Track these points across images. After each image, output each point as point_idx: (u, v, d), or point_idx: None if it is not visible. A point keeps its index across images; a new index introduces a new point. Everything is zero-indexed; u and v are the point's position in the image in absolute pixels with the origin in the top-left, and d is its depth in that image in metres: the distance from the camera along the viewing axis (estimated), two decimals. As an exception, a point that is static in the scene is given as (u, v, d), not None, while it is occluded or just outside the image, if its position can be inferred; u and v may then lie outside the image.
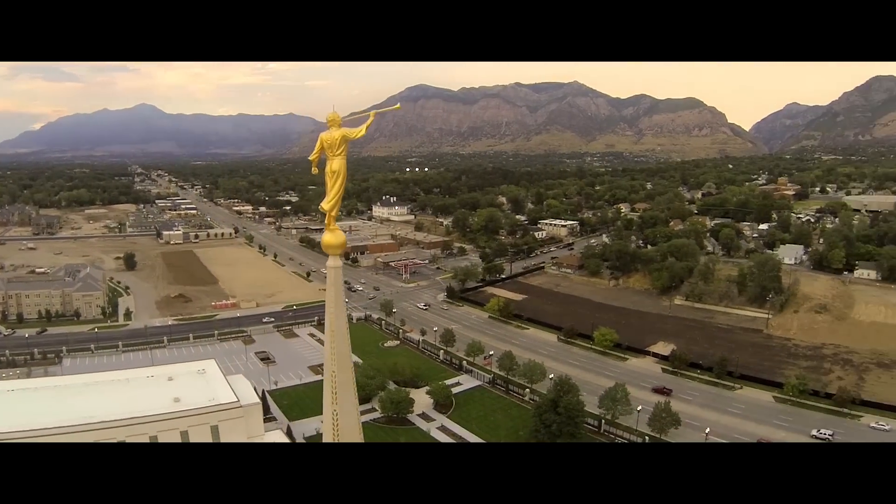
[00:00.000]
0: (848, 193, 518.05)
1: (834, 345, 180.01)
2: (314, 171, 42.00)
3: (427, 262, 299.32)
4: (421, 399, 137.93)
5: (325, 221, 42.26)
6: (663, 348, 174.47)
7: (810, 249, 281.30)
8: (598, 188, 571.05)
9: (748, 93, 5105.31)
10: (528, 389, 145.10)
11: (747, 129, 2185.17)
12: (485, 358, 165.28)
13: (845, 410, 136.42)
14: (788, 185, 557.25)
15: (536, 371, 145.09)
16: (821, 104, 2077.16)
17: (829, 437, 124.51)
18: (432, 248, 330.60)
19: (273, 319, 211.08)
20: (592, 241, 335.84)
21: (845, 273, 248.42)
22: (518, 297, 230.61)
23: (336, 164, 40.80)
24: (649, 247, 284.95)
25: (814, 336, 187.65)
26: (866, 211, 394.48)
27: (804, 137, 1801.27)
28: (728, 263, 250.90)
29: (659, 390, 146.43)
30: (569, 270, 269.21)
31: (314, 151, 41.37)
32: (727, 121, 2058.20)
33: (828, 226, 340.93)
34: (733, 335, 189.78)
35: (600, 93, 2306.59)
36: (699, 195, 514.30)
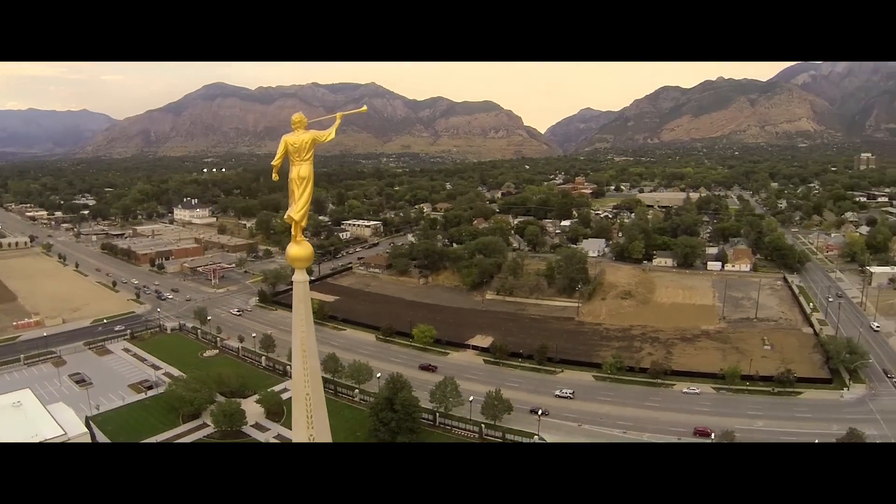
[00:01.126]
0: (641, 191, 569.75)
1: (641, 326, 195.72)
2: (275, 177, 39.01)
3: (234, 265, 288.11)
4: (251, 409, 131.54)
5: (293, 232, 39.35)
6: (482, 341, 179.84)
7: (611, 242, 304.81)
8: (397, 188, 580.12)
9: (544, 98, 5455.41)
10: (357, 390, 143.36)
11: (543, 132, 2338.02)
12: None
13: (659, 381, 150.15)
14: (586, 184, 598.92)
15: (363, 371, 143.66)
16: (613, 110, 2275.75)
17: (570, 396, 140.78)
18: (237, 252, 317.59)
19: (124, 328, 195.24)
20: (398, 240, 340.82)
21: (645, 262, 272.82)
22: (330, 298, 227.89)
23: (305, 170, 38.08)
24: (455, 245, 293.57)
25: (622, 319, 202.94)
26: (659, 206, 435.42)
27: (597, 140, 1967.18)
28: (535, 258, 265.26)
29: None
30: (377, 270, 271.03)
31: (277, 156, 38.02)
32: (523, 124, 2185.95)
33: (625, 221, 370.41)
34: (547, 324, 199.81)
35: (397, 94, 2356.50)
36: (499, 194, 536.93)
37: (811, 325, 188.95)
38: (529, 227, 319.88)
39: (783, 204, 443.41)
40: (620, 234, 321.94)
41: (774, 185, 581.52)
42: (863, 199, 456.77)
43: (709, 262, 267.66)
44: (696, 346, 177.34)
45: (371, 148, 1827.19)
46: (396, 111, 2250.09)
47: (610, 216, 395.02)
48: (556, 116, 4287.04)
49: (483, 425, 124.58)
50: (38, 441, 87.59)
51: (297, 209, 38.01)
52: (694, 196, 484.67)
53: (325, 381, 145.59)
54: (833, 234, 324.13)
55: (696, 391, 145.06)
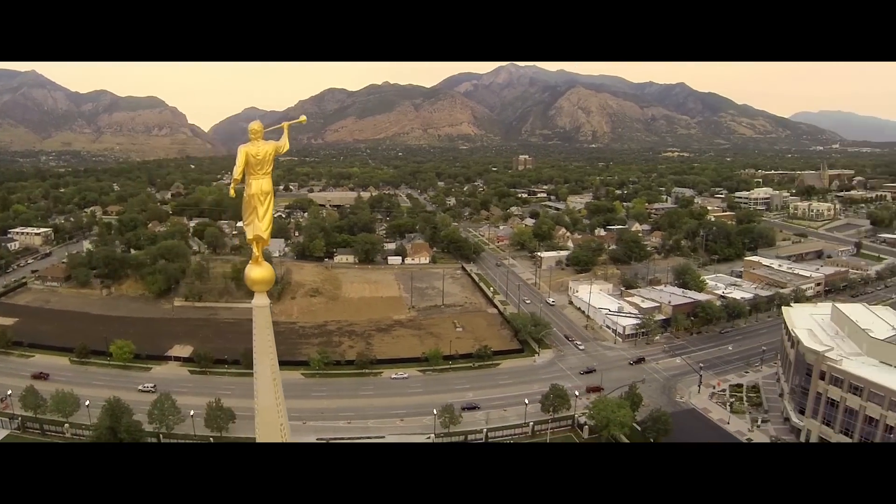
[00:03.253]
0: (311, 191, 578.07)
1: (335, 321, 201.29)
2: (233, 193, 33.41)
3: None
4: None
5: (255, 252, 34.57)
6: (182, 350, 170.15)
7: (290, 242, 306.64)
8: (63, 190, 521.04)
9: (209, 95, 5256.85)
10: (66, 424, 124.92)
11: (207, 131, 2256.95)
12: (1, 401, 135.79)
13: (367, 370, 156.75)
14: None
15: (68, 402, 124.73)
16: (278, 110, 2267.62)
17: (152, 389, 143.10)
18: None
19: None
20: (72, 248, 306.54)
21: (327, 259, 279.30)
22: (9, 321, 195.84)
23: (268, 184, 34.05)
24: (133, 251, 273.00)
25: (315, 316, 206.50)
26: (331, 205, 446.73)
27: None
28: (219, 261, 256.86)
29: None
30: (55, 284, 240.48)
31: (239, 168, 32.84)
32: (188, 122, 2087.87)
33: (300, 220, 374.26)
34: (242, 327, 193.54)
35: (59, 85, 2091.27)
36: (169, 195, 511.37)
37: (494, 306, 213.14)
38: (209, 230, 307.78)
39: (452, 201, 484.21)
40: (298, 234, 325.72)
41: (441, 184, 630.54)
42: (524, 196, 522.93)
43: (389, 257, 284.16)
44: (392, 335, 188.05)
45: (29, 144, 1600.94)
46: (58, 104, 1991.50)
47: (284, 216, 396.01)
48: (221, 115, 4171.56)
49: (211, 439, 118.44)
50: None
51: (265, 227, 34.24)
52: (365, 195, 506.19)
53: (28, 419, 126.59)
54: (501, 227, 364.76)
55: (405, 375, 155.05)
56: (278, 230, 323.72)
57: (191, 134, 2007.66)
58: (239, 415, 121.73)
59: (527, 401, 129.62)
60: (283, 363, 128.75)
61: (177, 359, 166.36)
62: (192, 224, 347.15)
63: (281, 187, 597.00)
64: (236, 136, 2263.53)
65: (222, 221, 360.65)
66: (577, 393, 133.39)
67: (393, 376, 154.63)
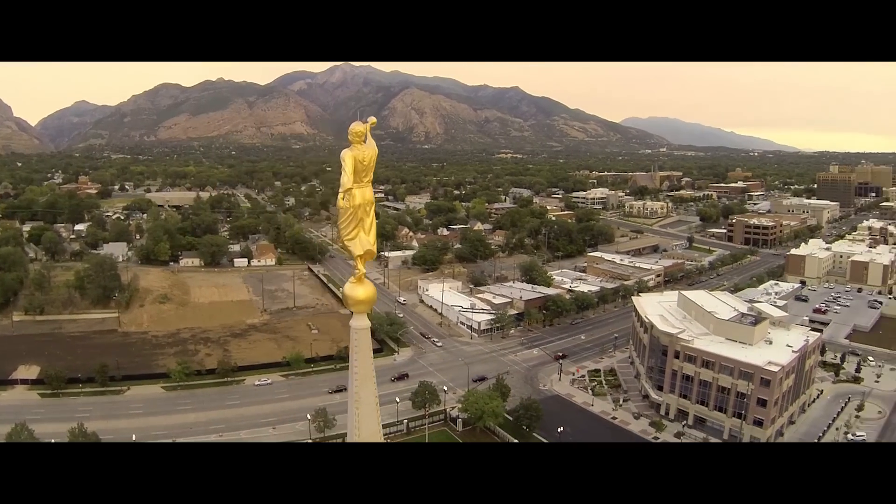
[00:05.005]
0: (148, 191, 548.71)
1: (188, 328, 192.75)
2: (344, 204, 30.23)
3: None
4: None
5: (358, 267, 31.59)
6: (28, 372, 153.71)
7: (133, 245, 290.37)
8: None
9: (37, 86, 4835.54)
10: None
11: (34, 125, 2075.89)
12: None
13: (229, 379, 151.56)
14: (90, 183, 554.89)
15: None
16: (109, 104, 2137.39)
17: None
18: None
19: None
20: None
21: (172, 263, 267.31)
22: None
23: (370, 192, 31.24)
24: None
25: (167, 324, 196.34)
26: (170, 206, 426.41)
27: (92, 136, 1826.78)
28: (58, 268, 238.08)
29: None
30: None
31: (349, 178, 29.77)
32: (13, 115, 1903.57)
33: (140, 222, 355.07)
34: (91, 340, 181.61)
35: None
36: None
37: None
38: (46, 234, 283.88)
39: (291, 201, 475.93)
40: (138, 236, 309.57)
41: (278, 183, 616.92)
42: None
43: (235, 260, 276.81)
44: (248, 340, 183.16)
45: None
46: None
47: (122, 217, 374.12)
48: (50, 108, 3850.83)
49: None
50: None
51: (374, 240, 31.62)
52: (204, 195, 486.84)
53: None
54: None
55: (268, 381, 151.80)
56: (119, 233, 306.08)
57: (16, 128, 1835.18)
58: (105, 437, 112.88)
59: (398, 399, 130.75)
60: (141, 377, 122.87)
61: (23, 381, 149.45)
62: (25, 228, 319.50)
63: (117, 187, 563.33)
64: (65, 131, 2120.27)
65: (58, 225, 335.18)
66: (444, 388, 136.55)
67: (256, 383, 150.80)
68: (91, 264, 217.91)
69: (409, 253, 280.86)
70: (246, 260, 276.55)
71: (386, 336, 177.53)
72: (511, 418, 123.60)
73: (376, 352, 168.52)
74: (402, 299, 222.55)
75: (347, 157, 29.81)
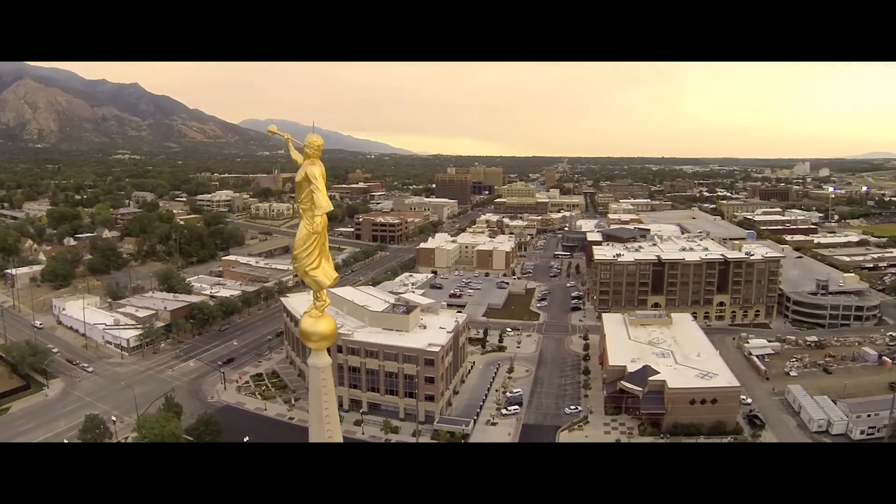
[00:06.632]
0: None
1: None
2: (322, 225, 27.08)
3: None
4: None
5: (317, 296, 28.19)
6: None
7: None
8: None
9: None
10: None
11: None
12: None
13: None
14: None
15: None
16: None
17: None
18: None
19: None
20: None
21: None
22: None
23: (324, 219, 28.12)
24: None
25: None
26: None
27: None
28: None
29: None
30: None
31: (324, 198, 26.28)
32: None
33: None
34: None
35: None
36: None
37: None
38: None
39: None
40: None
41: None
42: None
43: None
44: None
45: None
46: None
47: None
48: None
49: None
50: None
51: (330, 266, 28.37)
52: None
53: None
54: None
55: None
56: None
57: None
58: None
59: (66, 440, 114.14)
60: None
61: None
62: None
63: None
64: None
65: None
66: (113, 418, 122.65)
67: None
68: None
69: (38, 268, 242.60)
70: None
71: (30, 369, 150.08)
72: (192, 438, 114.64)
73: (24, 389, 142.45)
74: (38, 323, 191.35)
75: (318, 175, 26.57)
